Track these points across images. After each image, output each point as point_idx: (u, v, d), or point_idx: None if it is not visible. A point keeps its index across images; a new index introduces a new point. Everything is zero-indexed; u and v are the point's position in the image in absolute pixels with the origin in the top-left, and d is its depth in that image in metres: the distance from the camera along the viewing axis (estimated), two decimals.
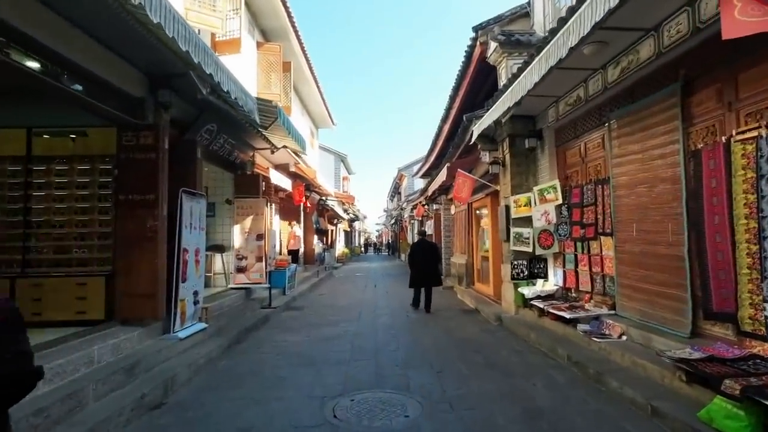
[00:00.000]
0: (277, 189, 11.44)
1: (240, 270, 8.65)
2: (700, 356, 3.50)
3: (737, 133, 3.71)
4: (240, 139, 8.16)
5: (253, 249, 8.72)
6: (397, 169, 33.92)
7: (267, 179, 9.40)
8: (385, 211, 55.46)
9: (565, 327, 5.87)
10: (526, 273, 7.57)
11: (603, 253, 5.89)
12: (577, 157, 6.70)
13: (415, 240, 10.59)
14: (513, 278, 7.69)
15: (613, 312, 5.59)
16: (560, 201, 6.88)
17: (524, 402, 4.07)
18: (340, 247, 30.30)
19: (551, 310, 6.14)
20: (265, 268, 8.75)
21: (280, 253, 12.45)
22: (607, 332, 5.24)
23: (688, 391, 3.55)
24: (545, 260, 7.48)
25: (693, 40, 4.12)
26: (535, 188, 7.41)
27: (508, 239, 7.96)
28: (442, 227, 15.37)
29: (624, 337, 5.01)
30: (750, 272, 3.58)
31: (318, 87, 14.73)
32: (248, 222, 8.76)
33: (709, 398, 3.27)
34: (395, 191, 41.59)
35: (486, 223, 10.54)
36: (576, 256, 6.56)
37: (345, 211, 28.95)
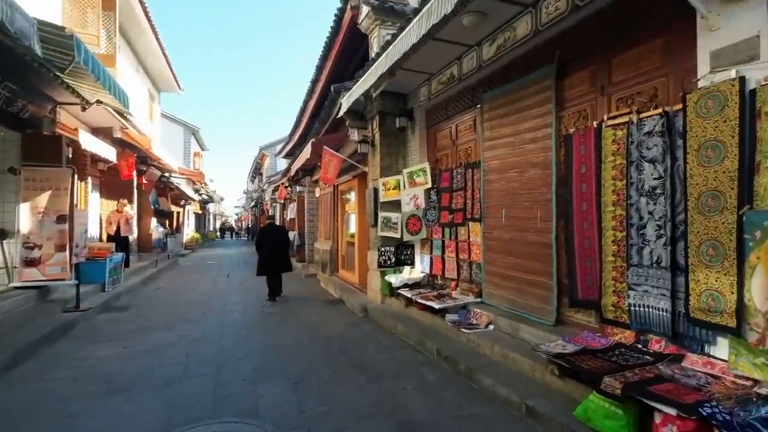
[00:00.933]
0: (96, 158, 9.03)
1: (30, 263, 6.43)
2: (574, 349, 3.34)
3: (608, 119, 3.63)
4: (27, 85, 5.94)
5: (51, 235, 6.56)
6: (259, 148, 31.49)
7: (76, 144, 7.17)
8: (245, 193, 51.69)
9: (433, 317, 5.55)
10: (393, 260, 7.16)
11: (471, 240, 5.72)
12: (448, 140, 6.44)
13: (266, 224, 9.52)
14: (380, 266, 7.21)
15: (479, 300, 5.45)
16: (430, 185, 6.58)
17: (396, 413, 3.48)
18: (189, 232, 26.90)
19: (419, 300, 5.78)
20: (70, 260, 6.68)
21: (101, 240, 10.00)
22: (474, 322, 5.04)
23: (561, 386, 3.37)
24: (412, 246, 7.17)
25: (570, 19, 3.95)
26: (405, 171, 7.00)
27: (375, 224, 7.45)
28: (306, 211, 14.40)
29: (491, 327, 4.85)
30: (615, 260, 3.54)
31: (158, 40, 12.19)
32: (44, 199, 6.54)
33: (582, 393, 3.09)
34: (256, 172, 38.83)
35: (352, 206, 9.96)
36: (443, 242, 6.34)
37: (196, 191, 25.74)
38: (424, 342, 5.05)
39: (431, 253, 6.66)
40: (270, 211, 23.74)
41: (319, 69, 9.55)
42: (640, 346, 3.32)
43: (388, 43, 5.17)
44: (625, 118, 3.47)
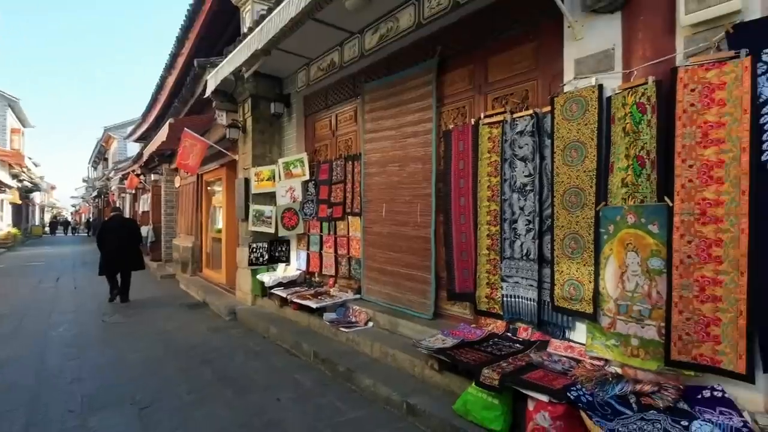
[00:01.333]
0: None
1: None
2: (453, 342, 3.36)
3: (485, 117, 3.74)
4: None
5: None
6: (104, 129, 26.95)
7: None
8: (85, 181, 43.94)
9: (310, 317, 5.23)
10: (266, 257, 6.62)
11: (351, 235, 5.53)
12: (328, 130, 6.15)
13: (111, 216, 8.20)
14: (251, 264, 6.60)
15: (358, 297, 5.30)
16: (307, 177, 6.22)
17: (269, 430, 3.10)
18: (3, 227, 21.74)
19: (295, 299, 5.40)
20: None
21: None
22: (354, 319, 4.87)
23: (440, 381, 3.37)
24: (288, 242, 6.73)
25: (452, 16, 3.99)
26: (281, 161, 6.51)
27: (246, 218, 6.79)
28: (163, 203, 12.68)
29: (371, 324, 4.72)
30: (489, 253, 3.68)
31: None
32: None
33: (460, 386, 3.12)
34: (100, 157, 33.29)
35: (219, 199, 9.01)
36: (322, 237, 6.04)
37: (14, 176, 20.98)
38: (300, 344, 4.70)
39: (308, 249, 6.31)
40: (117, 203, 20.58)
41: (180, 41, 8.36)
42: (510, 334, 3.50)
43: (262, 17, 4.67)
44: (500, 117, 3.61)
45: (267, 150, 6.90)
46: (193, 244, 9.98)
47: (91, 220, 37.14)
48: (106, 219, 9.66)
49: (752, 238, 2.17)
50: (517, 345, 3.28)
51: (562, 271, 3.04)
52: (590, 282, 2.84)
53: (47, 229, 38.81)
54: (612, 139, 2.77)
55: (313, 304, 5.07)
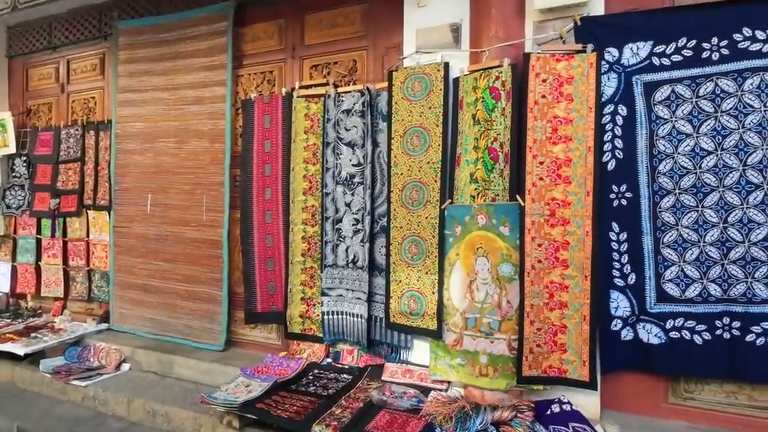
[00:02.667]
0: None
1: None
2: (263, 387, 2.43)
3: (301, 88, 2.95)
4: None
5: None
6: None
7: None
8: None
9: (15, 368, 3.31)
10: None
11: (92, 238, 3.81)
12: (52, 82, 4.15)
13: None
14: None
15: (105, 327, 3.68)
16: (13, 149, 4.07)
17: None
18: None
19: None
20: None
21: None
22: (97, 363, 3.29)
23: None
24: None
25: None
26: None
27: None
28: None
29: (126, 366, 3.27)
30: (305, 260, 2.91)
31: None
32: None
33: None
34: None
35: None
36: (39, 241, 4.03)
37: None
38: None
39: (14, 259, 4.13)
40: None
41: None
42: (332, 361, 2.82)
43: None
44: (321, 90, 2.88)
45: None
46: None
47: None
48: None
49: (595, 240, 2.10)
50: (345, 375, 2.62)
51: (399, 281, 2.53)
52: (433, 293, 2.42)
53: None
54: (459, 127, 2.41)
55: (19, 349, 3.21)
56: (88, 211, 3.82)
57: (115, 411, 2.87)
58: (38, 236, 4.02)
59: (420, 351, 2.53)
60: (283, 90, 3.01)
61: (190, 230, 3.35)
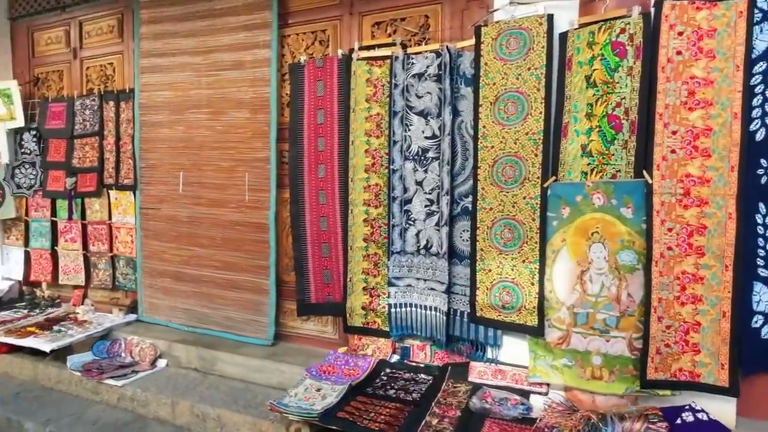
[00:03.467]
0: None
1: None
2: (339, 392, 2.13)
3: (361, 48, 2.57)
4: None
5: None
6: None
7: None
8: None
9: (38, 365, 2.99)
10: None
11: (115, 220, 3.45)
12: (62, 46, 3.71)
13: None
14: None
15: (134, 317, 3.35)
16: (21, 122, 3.66)
17: None
18: None
19: (2, 338, 3.02)
20: None
21: None
22: (130, 359, 2.98)
23: None
24: None
25: None
26: None
27: None
28: None
29: (163, 362, 2.96)
30: (367, 246, 2.58)
31: None
32: None
33: None
34: None
35: None
36: (55, 225, 3.66)
37: None
38: (15, 423, 2.56)
39: (27, 244, 3.77)
40: None
41: None
42: (400, 358, 2.53)
43: None
44: (387, 51, 2.51)
45: None
46: None
47: None
48: None
49: (740, 224, 1.79)
50: (422, 375, 2.33)
51: (489, 270, 2.21)
52: (532, 284, 2.11)
53: None
54: (567, 91, 2.06)
55: (44, 344, 2.88)
56: (109, 191, 3.45)
57: (157, 413, 2.58)
58: (53, 219, 3.65)
59: (511, 349, 2.23)
60: (339, 52, 2.63)
61: (230, 212, 3.00)
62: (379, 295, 2.57)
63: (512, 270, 2.16)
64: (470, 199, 2.28)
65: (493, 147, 2.19)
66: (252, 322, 2.95)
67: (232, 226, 2.99)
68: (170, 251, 3.21)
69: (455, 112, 2.33)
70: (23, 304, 3.65)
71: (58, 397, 2.83)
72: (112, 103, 3.40)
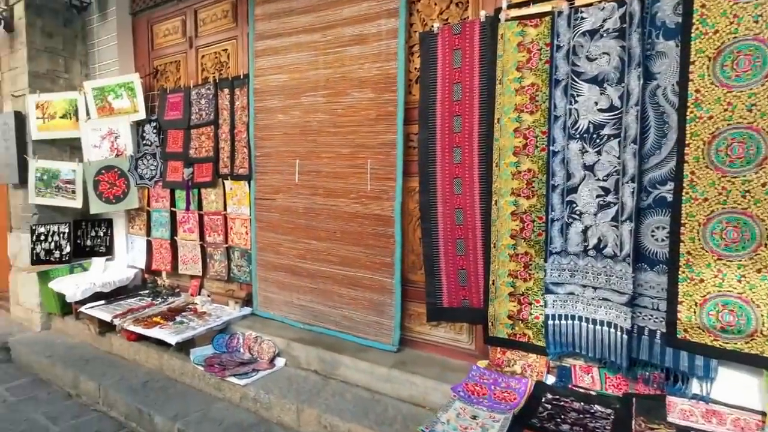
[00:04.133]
0: None
1: None
2: (503, 425, 1.77)
3: (511, 6, 2.13)
4: None
5: None
6: None
7: None
8: None
9: (163, 354, 3.01)
10: (66, 249, 3.94)
11: (230, 211, 3.38)
12: (179, 37, 3.71)
13: None
14: (37, 261, 3.86)
15: (248, 311, 3.27)
16: (143, 114, 3.73)
17: None
18: None
19: (131, 327, 3.07)
20: None
21: None
22: (248, 355, 2.88)
23: None
24: (110, 222, 4.12)
25: None
26: (90, 85, 3.81)
27: (23, 183, 3.91)
28: None
29: (281, 362, 2.81)
30: (515, 243, 2.17)
31: None
32: None
33: None
34: None
35: None
36: (174, 215, 3.71)
37: None
38: (148, 415, 2.54)
39: (149, 234, 3.87)
40: None
41: None
42: (558, 380, 2.09)
43: None
44: (546, 6, 2.05)
45: (59, 66, 4.03)
46: None
47: None
48: None
49: None
50: (598, 407, 1.87)
51: (700, 281, 1.69)
52: None
53: None
54: None
55: (169, 336, 2.86)
56: (224, 181, 3.38)
57: (281, 419, 2.41)
58: (173, 209, 3.69)
59: (730, 384, 1.70)
60: (482, 14, 2.21)
61: (350, 203, 2.74)
62: (530, 303, 2.15)
63: (739, 282, 1.62)
64: (669, 186, 1.77)
65: (711, 118, 1.65)
66: (374, 323, 2.68)
67: (352, 218, 2.74)
68: (286, 244, 3.05)
69: (647, 76, 1.81)
70: (146, 292, 3.76)
71: (182, 390, 2.80)
72: (226, 90, 3.31)
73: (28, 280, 3.93)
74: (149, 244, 3.87)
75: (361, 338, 2.71)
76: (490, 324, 2.25)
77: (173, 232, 3.71)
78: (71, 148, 4.05)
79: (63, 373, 3.15)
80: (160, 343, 3.02)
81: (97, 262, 3.97)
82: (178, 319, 3.12)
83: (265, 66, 3.07)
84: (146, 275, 3.96)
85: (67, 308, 3.77)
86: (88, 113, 3.82)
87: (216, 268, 3.52)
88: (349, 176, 2.73)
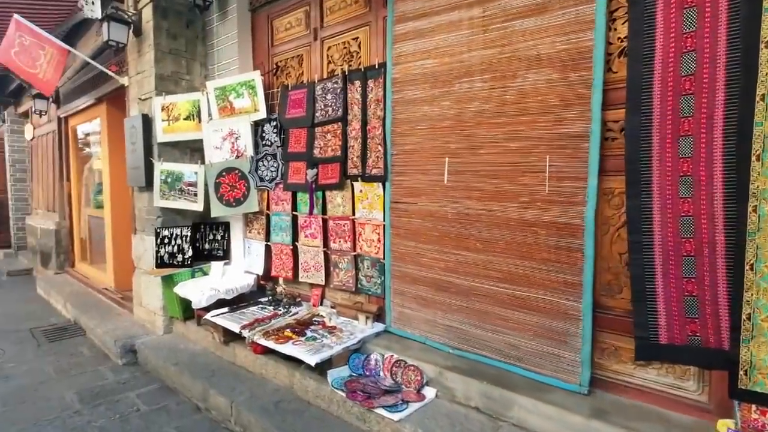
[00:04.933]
0: None
1: None
2: None
3: None
4: None
5: None
6: None
7: None
8: None
9: (294, 372, 2.74)
10: (187, 254, 3.88)
11: (358, 216, 3.07)
12: (303, 28, 3.49)
13: None
14: (161, 264, 3.84)
15: (381, 328, 2.93)
16: (263, 113, 3.55)
17: None
18: None
19: (262, 340, 2.84)
20: None
21: None
22: (390, 380, 2.51)
23: None
24: (226, 226, 4.02)
25: None
26: (212, 85, 3.71)
27: (149, 186, 3.91)
28: (8, 163, 8.66)
29: (431, 392, 2.41)
30: None
31: None
32: None
33: None
34: None
35: (102, 154, 5.74)
36: (295, 219, 3.49)
37: None
38: None
39: (268, 238, 3.70)
40: None
41: None
42: None
43: None
44: None
45: (182, 67, 4.00)
46: (58, 225, 6.56)
47: None
48: None
49: None
50: None
51: None
52: None
53: None
54: None
55: (307, 356, 2.58)
56: (353, 182, 3.08)
57: None
58: (294, 213, 3.47)
59: None
60: None
61: (519, 208, 2.28)
62: None
63: None
64: None
65: None
66: (549, 356, 2.19)
67: (522, 226, 2.27)
68: (429, 254, 2.66)
69: None
70: (266, 299, 3.57)
71: (318, 415, 2.51)
72: (357, 83, 3.00)
73: (151, 283, 3.94)
74: (268, 249, 3.69)
75: (533, 373, 2.23)
76: (741, 372, 1.67)
77: (295, 236, 3.49)
78: (191, 150, 4.01)
79: (191, 383, 3.02)
80: (288, 358, 2.76)
81: (216, 266, 3.88)
82: (308, 333, 2.85)
83: (406, 52, 2.70)
84: (262, 281, 3.79)
85: (188, 312, 3.70)
86: (209, 114, 3.73)
87: (341, 278, 3.23)
88: (518, 176, 2.27)
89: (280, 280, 3.67)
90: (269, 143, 3.59)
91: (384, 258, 2.92)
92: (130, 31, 3.88)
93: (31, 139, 7.70)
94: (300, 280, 3.48)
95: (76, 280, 5.97)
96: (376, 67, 2.89)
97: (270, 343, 2.75)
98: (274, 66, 3.71)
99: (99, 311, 4.58)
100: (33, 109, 6.42)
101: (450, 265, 2.57)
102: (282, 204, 3.56)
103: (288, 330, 2.88)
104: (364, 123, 2.97)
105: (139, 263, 4.17)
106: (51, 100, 6.28)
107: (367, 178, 2.97)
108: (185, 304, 3.65)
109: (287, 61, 3.62)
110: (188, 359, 3.33)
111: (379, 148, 2.88)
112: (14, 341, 4.18)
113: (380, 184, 2.90)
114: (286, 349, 2.66)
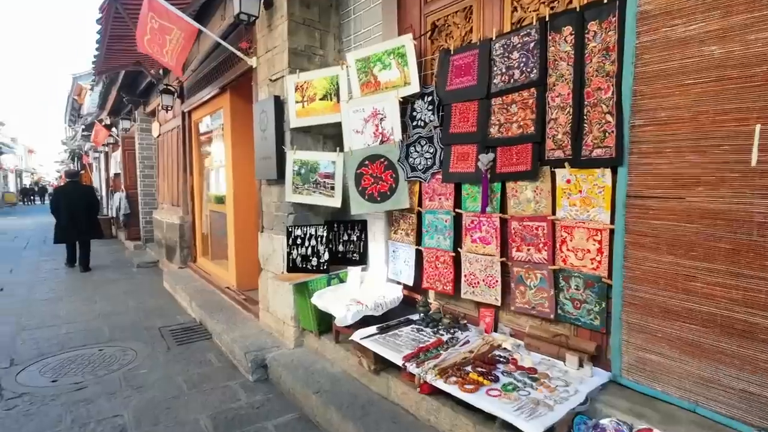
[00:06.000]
0: None
1: None
2: None
3: None
4: None
5: None
6: (72, 78, 22.69)
7: None
8: (63, 143, 39.53)
9: (475, 426, 1.98)
10: (324, 256, 3.32)
11: (561, 215, 2.21)
12: None
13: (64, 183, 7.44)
14: (293, 268, 3.33)
15: (607, 378, 2.05)
16: (416, 86, 2.83)
17: None
18: None
19: (445, 386, 2.12)
20: None
21: None
22: None
23: None
24: (364, 225, 3.40)
25: None
26: (352, 56, 3.09)
27: (281, 178, 3.43)
28: (137, 160, 9.19)
29: None
30: None
31: None
32: None
33: None
34: (75, 113, 29.01)
35: (225, 147, 5.55)
36: (459, 218, 2.73)
37: None
38: None
39: (420, 242, 2.99)
40: (75, 165, 17.53)
41: None
42: None
43: None
44: None
45: (315, 41, 3.46)
46: (181, 220, 6.61)
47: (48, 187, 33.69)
48: (59, 186, 8.85)
49: None
50: None
51: None
52: None
53: (21, 197, 34.87)
54: None
55: (520, 419, 1.79)
56: (554, 169, 2.23)
57: None
58: (457, 210, 2.72)
59: None
60: None
61: None
62: None
63: None
64: None
65: None
66: None
67: None
68: (705, 277, 1.73)
69: None
70: (417, 317, 2.88)
71: None
72: (567, 29, 2.14)
73: (280, 288, 3.47)
74: (419, 254, 2.99)
75: None
76: None
77: (456, 241, 2.75)
78: (323, 137, 3.47)
79: (339, 423, 2.41)
80: (468, 405, 2.01)
81: (353, 272, 3.28)
82: (501, 377, 2.07)
83: None
84: (406, 292, 3.11)
85: (324, 326, 3.16)
86: (350, 92, 3.12)
87: (528, 298, 2.40)
88: None
89: (431, 293, 2.96)
90: (422, 123, 2.89)
91: (610, 277, 2.03)
92: (261, 2, 3.41)
93: (158, 136, 7.97)
94: (462, 296, 2.73)
95: (198, 276, 5.89)
96: (604, 2, 2.00)
97: (454, 390, 2.01)
98: (430, 27, 2.98)
99: (224, 314, 4.28)
100: (160, 106, 6.51)
101: (740, 294, 1.61)
102: (439, 199, 2.83)
103: (471, 370, 2.13)
104: (581, 85, 2.10)
105: (266, 264, 3.75)
106: (176, 95, 6.30)
107: (583, 163, 2.10)
108: (321, 316, 3.11)
109: (447, 17, 2.87)
110: (329, 385, 2.75)
111: (608, 118, 2.00)
112: (146, 341, 4.01)
113: (606, 170, 2.02)
114: (483, 403, 1.90)
